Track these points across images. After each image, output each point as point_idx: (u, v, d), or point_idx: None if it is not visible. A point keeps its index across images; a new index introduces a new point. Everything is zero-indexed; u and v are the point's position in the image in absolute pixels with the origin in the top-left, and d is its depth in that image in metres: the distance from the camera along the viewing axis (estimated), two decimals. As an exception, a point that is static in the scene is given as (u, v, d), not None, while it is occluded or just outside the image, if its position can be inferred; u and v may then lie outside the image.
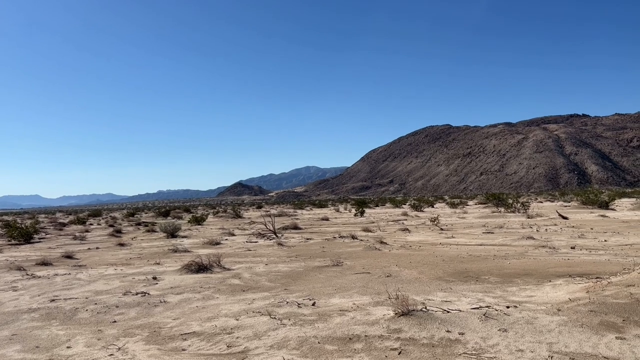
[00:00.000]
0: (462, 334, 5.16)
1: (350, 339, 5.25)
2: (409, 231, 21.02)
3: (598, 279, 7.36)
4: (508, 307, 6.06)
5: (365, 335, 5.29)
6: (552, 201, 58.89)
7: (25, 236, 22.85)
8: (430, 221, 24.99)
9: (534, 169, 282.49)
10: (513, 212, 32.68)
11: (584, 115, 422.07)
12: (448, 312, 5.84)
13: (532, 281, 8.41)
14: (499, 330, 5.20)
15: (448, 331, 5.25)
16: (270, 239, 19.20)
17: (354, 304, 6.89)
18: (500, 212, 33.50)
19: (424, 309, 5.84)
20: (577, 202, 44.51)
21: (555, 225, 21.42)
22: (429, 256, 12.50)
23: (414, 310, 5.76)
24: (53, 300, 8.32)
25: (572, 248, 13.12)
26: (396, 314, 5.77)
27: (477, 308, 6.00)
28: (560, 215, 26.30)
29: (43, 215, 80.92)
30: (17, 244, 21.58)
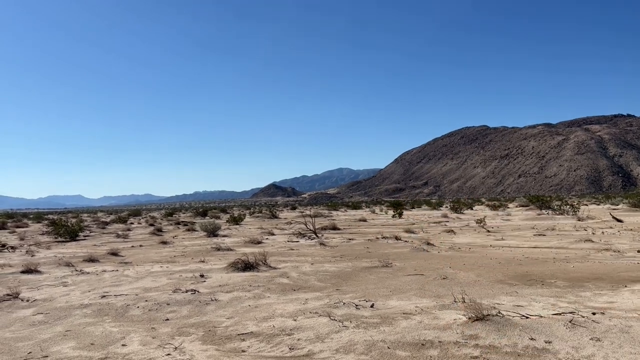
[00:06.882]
0: (549, 342, 4.66)
1: (422, 344, 4.82)
2: (454, 233, 20.31)
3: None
4: (594, 313, 5.50)
5: (439, 341, 4.85)
6: (597, 204, 56.43)
7: (71, 234, 23.35)
8: (476, 222, 24.14)
9: (575, 171, 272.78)
10: (561, 214, 31.33)
11: (629, 116, 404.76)
12: (527, 317, 5.33)
13: (605, 286, 7.76)
14: (591, 339, 4.67)
15: (532, 339, 4.75)
16: (311, 239, 18.90)
17: (417, 306, 6.45)
18: (547, 214, 32.17)
19: (499, 314, 5.35)
20: (626, 204, 42.41)
21: (611, 228, 20.26)
22: (482, 258, 11.89)
23: (489, 315, 5.28)
24: (104, 296, 8.22)
25: (638, 252, 12.24)
26: (469, 318, 5.31)
27: (560, 314, 5.46)
28: (614, 217, 24.94)
29: (86, 215, 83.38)
30: (63, 242, 22.06)
